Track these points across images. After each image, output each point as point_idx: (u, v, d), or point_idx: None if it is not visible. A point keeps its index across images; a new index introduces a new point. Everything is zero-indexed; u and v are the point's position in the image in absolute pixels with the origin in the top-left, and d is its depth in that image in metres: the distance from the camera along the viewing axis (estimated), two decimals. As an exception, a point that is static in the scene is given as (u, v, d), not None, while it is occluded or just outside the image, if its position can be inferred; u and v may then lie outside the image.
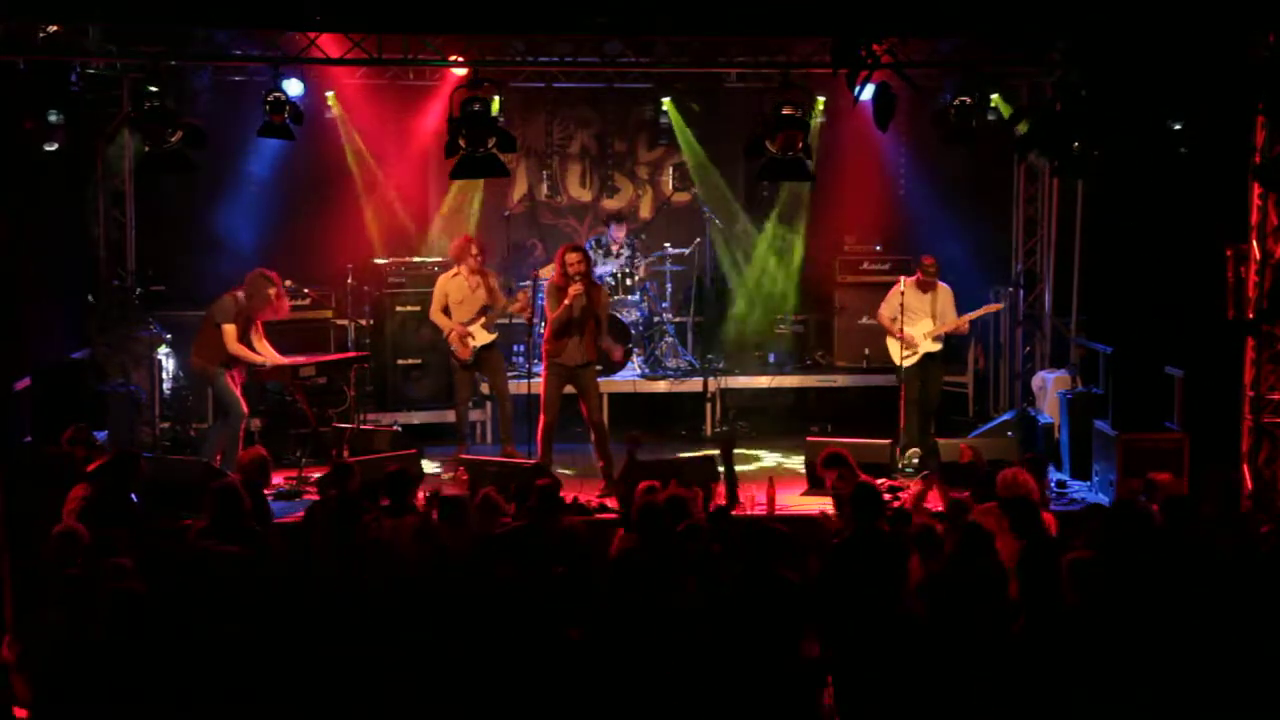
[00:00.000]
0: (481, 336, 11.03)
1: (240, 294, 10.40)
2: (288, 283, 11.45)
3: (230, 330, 10.29)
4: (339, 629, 6.12)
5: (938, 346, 11.30)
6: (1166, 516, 7.15)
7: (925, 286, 11.26)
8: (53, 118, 9.93)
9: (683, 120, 13.32)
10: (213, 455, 10.18)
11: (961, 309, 11.37)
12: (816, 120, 12.53)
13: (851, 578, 6.65)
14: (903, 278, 11.42)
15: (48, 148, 10.02)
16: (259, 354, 10.49)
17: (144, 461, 8.56)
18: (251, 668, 5.81)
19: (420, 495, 8.52)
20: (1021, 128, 9.74)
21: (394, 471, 8.15)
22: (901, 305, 11.17)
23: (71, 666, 5.74)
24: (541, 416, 10.38)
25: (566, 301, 10.20)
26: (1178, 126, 8.80)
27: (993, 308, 11.93)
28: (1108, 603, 5.93)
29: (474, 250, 11.04)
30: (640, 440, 9.76)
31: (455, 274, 11.08)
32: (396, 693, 5.83)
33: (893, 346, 11.35)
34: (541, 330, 11.86)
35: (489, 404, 12.18)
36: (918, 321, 11.22)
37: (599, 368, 10.88)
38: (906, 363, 11.21)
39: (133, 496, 8.19)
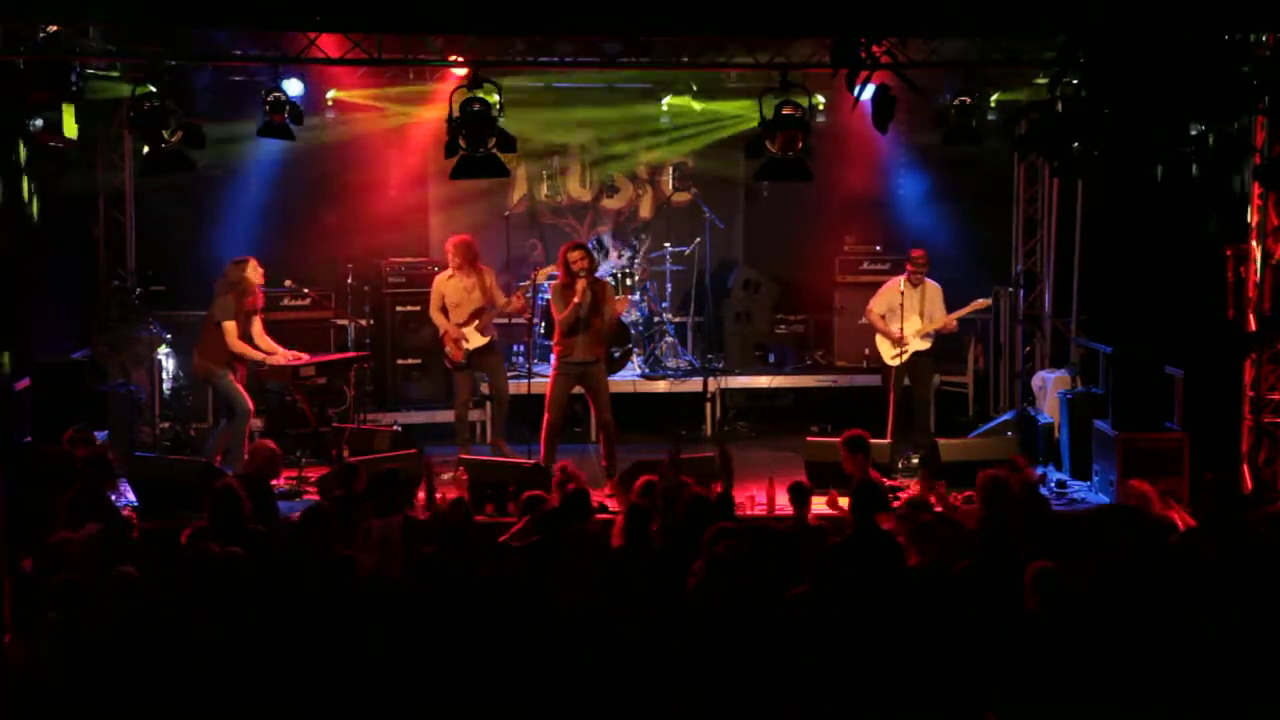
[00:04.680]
0: (475, 339, 11.02)
1: (229, 292, 10.44)
2: (287, 282, 11.47)
3: (231, 327, 10.32)
4: (334, 629, 6.12)
5: (927, 344, 11.28)
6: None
7: (914, 281, 11.25)
8: (52, 118, 9.93)
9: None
10: (213, 455, 10.19)
11: (956, 308, 11.36)
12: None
13: (852, 576, 6.66)
14: (895, 278, 11.42)
15: (48, 147, 10.03)
16: (260, 350, 10.51)
17: (116, 461, 8.57)
18: (249, 669, 5.82)
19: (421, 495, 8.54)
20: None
21: (382, 473, 8.15)
22: (902, 305, 11.16)
23: (69, 667, 5.75)
24: (546, 415, 10.40)
25: (576, 300, 10.21)
26: (1196, 131, 8.78)
27: (980, 304, 11.78)
28: (1079, 609, 5.93)
29: (463, 254, 10.98)
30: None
31: (450, 275, 11.07)
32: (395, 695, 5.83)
33: (882, 345, 11.34)
34: (541, 330, 11.89)
35: (488, 404, 12.18)
36: (906, 319, 11.21)
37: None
38: (896, 361, 11.21)
39: (112, 497, 8.19)
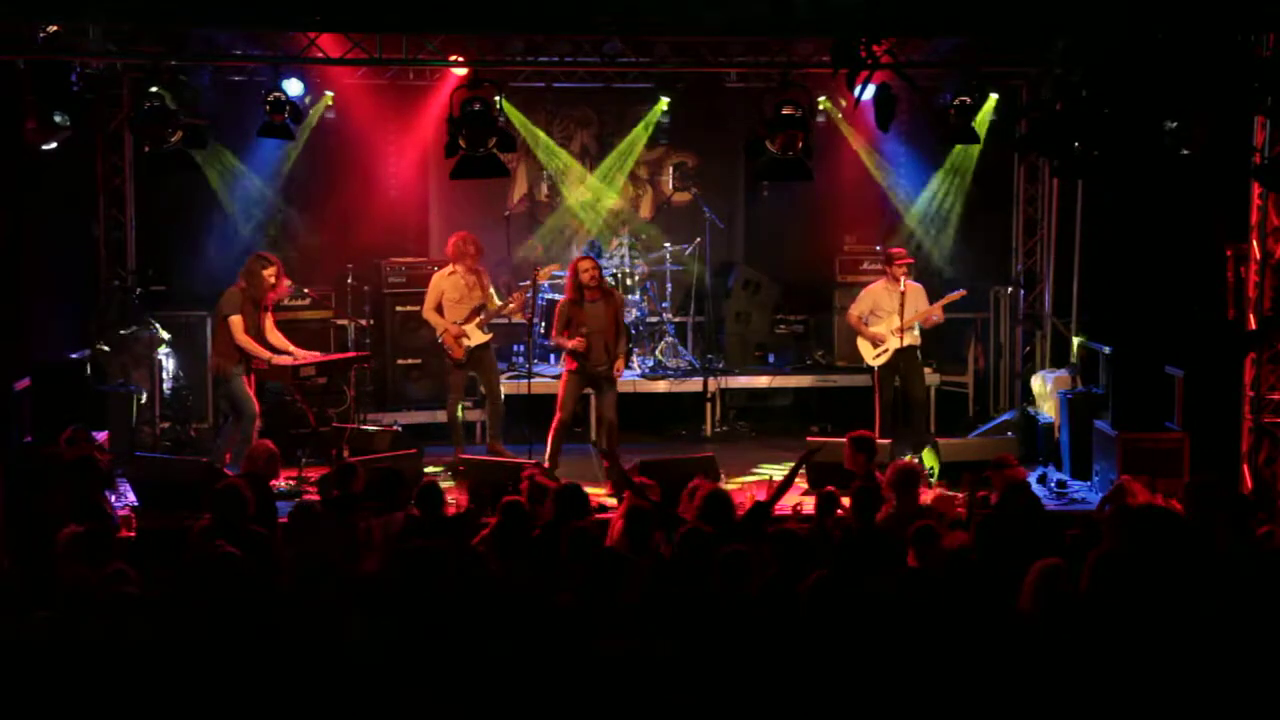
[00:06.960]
0: (477, 336, 11.01)
1: (242, 284, 10.43)
2: (287, 282, 11.45)
3: (237, 321, 10.29)
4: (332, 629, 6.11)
5: (913, 341, 11.24)
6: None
7: (895, 278, 11.22)
8: (54, 118, 9.92)
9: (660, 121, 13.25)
10: (222, 456, 10.15)
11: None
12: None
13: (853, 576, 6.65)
14: (875, 281, 11.42)
15: (48, 148, 10.03)
16: (270, 349, 10.48)
17: (108, 462, 8.56)
18: (250, 670, 5.81)
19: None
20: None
21: (385, 470, 8.17)
22: (902, 305, 11.14)
23: (67, 668, 5.74)
24: (557, 414, 10.44)
25: (573, 345, 10.26)
26: (1173, 125, 8.80)
27: (954, 296, 11.52)
28: (1073, 608, 5.91)
29: (471, 249, 11.02)
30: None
31: (451, 272, 11.06)
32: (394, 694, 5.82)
33: (863, 347, 11.35)
34: (541, 330, 11.89)
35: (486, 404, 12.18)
36: (883, 320, 11.20)
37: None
38: (879, 362, 11.20)
39: (111, 497, 8.18)
